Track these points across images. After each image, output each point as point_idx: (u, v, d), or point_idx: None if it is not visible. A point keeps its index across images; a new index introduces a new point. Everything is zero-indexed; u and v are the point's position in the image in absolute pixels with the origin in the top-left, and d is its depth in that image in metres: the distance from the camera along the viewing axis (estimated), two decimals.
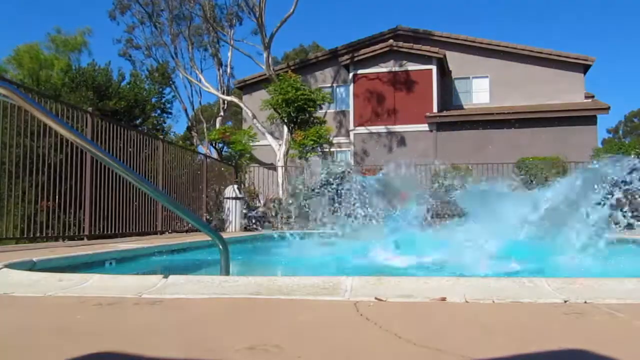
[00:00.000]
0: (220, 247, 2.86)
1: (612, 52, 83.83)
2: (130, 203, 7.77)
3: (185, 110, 29.26)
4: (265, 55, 19.67)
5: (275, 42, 74.02)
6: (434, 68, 20.31)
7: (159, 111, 16.91)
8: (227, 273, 2.84)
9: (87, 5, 59.99)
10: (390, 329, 1.58)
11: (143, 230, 8.16)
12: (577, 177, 5.11)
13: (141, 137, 8.62)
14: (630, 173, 4.62)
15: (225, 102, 25.05)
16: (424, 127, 20.33)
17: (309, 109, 17.03)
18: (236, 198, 10.63)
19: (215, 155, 20.75)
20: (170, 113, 27.44)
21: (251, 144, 18.94)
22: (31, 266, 3.00)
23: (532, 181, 15.89)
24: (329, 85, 22.40)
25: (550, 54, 20.56)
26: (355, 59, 20.89)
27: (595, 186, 4.60)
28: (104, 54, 72.05)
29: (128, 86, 14.71)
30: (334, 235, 6.21)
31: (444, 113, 20.48)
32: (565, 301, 1.98)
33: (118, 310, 1.94)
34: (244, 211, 10.93)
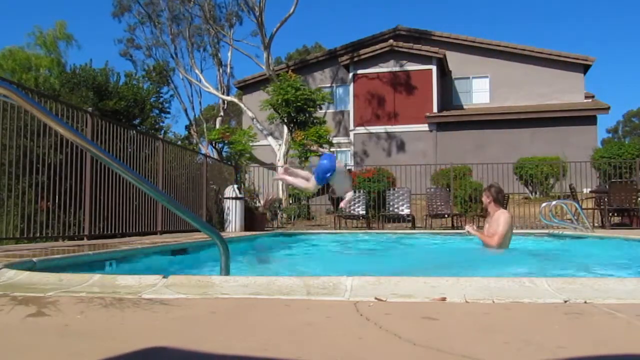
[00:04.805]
0: (221, 247, 2.86)
1: (612, 52, 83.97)
2: (130, 203, 7.77)
3: (185, 110, 29.30)
4: (265, 55, 19.68)
5: (278, 43, 73.89)
6: (434, 68, 20.32)
7: (157, 111, 16.93)
8: (227, 273, 2.84)
9: (82, 6, 60.05)
10: (390, 329, 1.58)
11: (143, 230, 8.15)
12: None
13: (141, 137, 8.61)
14: None
15: (226, 102, 25.06)
16: (424, 127, 20.34)
17: (308, 109, 17.04)
18: (236, 198, 10.62)
19: (215, 155, 20.75)
20: (169, 112, 27.49)
21: (251, 144, 18.95)
22: (31, 266, 3.00)
23: (531, 181, 15.91)
24: (329, 85, 22.41)
25: (550, 54, 20.57)
26: (355, 59, 20.90)
27: None
28: (100, 54, 72.08)
29: (126, 86, 14.68)
30: None
31: (444, 113, 20.49)
32: (566, 301, 1.98)
33: (118, 310, 1.94)
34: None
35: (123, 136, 7.84)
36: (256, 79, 22.90)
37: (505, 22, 79.17)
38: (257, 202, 12.60)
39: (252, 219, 11.23)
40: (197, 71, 24.53)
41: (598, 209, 11.50)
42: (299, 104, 16.60)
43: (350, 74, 21.24)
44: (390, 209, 12.46)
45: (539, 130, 19.27)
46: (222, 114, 26.04)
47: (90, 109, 7.44)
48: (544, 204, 8.10)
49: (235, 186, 11.02)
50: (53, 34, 25.38)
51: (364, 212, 12.55)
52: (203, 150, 24.69)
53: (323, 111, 20.51)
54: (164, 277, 2.43)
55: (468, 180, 14.60)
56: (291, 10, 19.26)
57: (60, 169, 6.26)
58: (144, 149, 8.49)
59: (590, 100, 21.37)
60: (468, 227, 5.69)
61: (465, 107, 21.40)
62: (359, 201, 12.65)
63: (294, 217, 14.90)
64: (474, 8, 78.94)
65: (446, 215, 12.22)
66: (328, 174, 6.05)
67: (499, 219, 5.39)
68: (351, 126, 21.21)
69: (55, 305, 2.03)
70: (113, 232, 7.37)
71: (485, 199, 5.58)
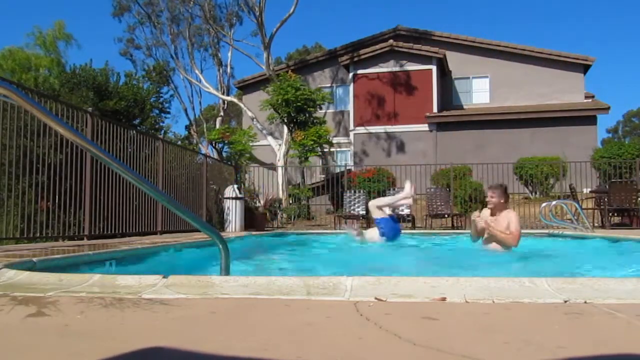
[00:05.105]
0: (221, 247, 2.86)
1: (612, 52, 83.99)
2: (130, 203, 7.77)
3: (185, 110, 29.30)
4: (265, 55, 19.67)
5: (278, 43, 73.75)
6: (434, 68, 20.31)
7: (157, 111, 16.94)
8: (227, 273, 2.84)
9: (82, 6, 60.07)
10: (390, 329, 1.58)
11: (143, 230, 8.16)
12: None
13: (141, 137, 8.62)
14: None
15: (226, 102, 25.06)
16: (424, 127, 20.34)
17: (308, 109, 17.03)
18: (236, 198, 10.62)
19: (215, 155, 20.76)
20: (169, 112, 27.51)
21: (251, 144, 18.96)
22: (31, 266, 3.00)
23: (531, 181, 15.91)
24: (329, 85, 22.40)
25: (550, 54, 20.56)
26: (355, 59, 20.89)
27: None
28: (101, 54, 72.10)
29: (126, 86, 14.70)
30: None
31: (444, 113, 20.48)
32: (566, 301, 1.98)
33: (118, 310, 1.94)
34: None
35: (123, 136, 7.85)
36: (256, 79, 22.88)
37: (505, 22, 79.19)
38: (257, 202, 12.61)
39: (252, 219, 11.23)
40: (197, 71, 24.53)
41: (598, 209, 11.50)
42: (299, 104, 16.60)
43: (350, 74, 21.23)
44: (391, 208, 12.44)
45: (539, 130, 19.26)
46: (222, 114, 26.04)
47: (90, 109, 7.45)
48: (544, 204, 8.10)
49: (235, 186, 11.02)
50: (52, 34, 25.38)
51: (364, 212, 12.54)
52: (203, 150, 24.70)
53: (323, 111, 20.51)
54: (164, 277, 2.43)
55: (468, 180, 14.60)
56: (291, 10, 19.25)
57: (60, 169, 6.26)
58: (144, 149, 8.49)
59: (590, 100, 21.36)
60: (481, 222, 5.48)
61: (465, 107, 21.39)
62: (358, 201, 12.65)
63: (294, 217, 14.90)
64: (474, 8, 78.96)
65: (446, 215, 12.22)
66: (381, 228, 6.66)
67: (510, 218, 5.40)
68: (351, 126, 21.21)
69: (55, 305, 2.03)
70: (113, 232, 7.37)
71: (496, 198, 5.52)
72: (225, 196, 10.74)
